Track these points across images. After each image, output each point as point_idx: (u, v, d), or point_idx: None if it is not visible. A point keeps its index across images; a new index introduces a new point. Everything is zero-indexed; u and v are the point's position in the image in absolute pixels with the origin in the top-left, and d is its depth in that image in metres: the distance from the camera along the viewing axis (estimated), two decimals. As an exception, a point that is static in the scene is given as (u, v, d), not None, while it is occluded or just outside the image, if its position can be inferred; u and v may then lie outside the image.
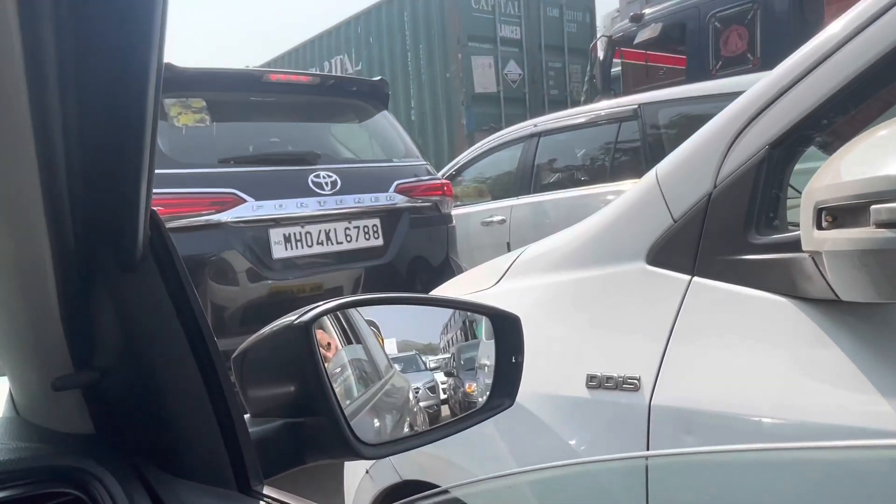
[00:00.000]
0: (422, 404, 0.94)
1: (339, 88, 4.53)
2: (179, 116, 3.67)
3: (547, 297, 1.48)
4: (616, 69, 9.45)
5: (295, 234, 3.75)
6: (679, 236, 1.25)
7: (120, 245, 0.62)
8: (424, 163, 4.54)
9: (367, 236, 4.00)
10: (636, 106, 5.18)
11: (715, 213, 1.20)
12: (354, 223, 3.96)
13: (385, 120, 4.62)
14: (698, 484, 0.76)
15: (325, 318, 0.79)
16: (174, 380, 0.68)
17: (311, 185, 3.82)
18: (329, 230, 3.87)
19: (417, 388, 0.93)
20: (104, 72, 0.47)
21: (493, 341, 0.99)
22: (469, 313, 1.03)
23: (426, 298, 1.09)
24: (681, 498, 0.82)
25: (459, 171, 6.61)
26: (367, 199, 4.02)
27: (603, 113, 5.51)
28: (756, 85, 1.22)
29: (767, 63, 5.38)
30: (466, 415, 0.94)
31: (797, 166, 1.18)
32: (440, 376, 0.96)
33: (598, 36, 9.98)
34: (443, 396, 0.96)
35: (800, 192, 1.02)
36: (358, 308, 0.88)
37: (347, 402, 0.79)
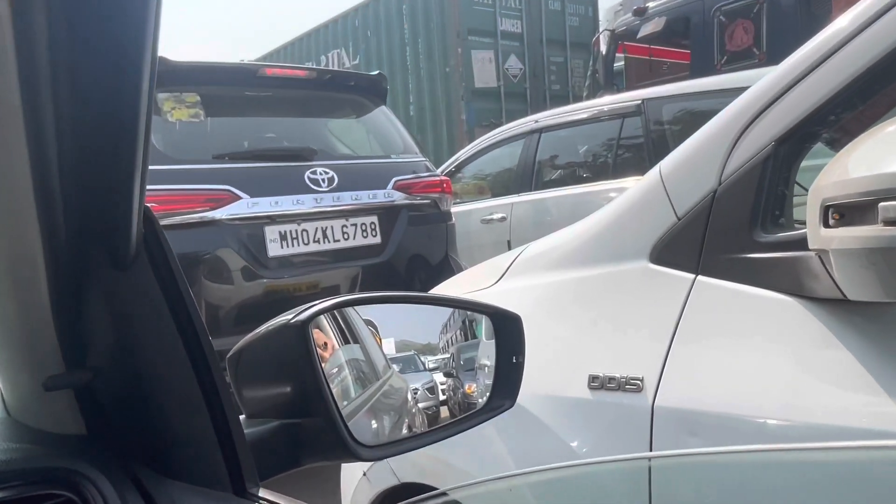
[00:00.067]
0: (420, 405, 0.94)
1: (337, 83, 4.53)
2: (173, 111, 3.67)
3: (548, 296, 1.48)
4: (619, 64, 9.45)
5: (291, 231, 3.75)
6: (683, 234, 1.25)
7: (113, 242, 0.62)
8: (423, 159, 4.54)
9: (364, 234, 4.00)
10: (639, 101, 5.18)
11: (720, 210, 1.20)
12: (352, 221, 3.96)
13: (383, 115, 4.62)
14: (702, 485, 0.76)
15: (321, 317, 0.79)
16: (168, 380, 0.68)
17: (307, 181, 3.82)
18: (326, 228, 3.87)
19: (416, 388, 0.94)
20: (97, 66, 0.47)
21: (493, 341, 0.99)
22: (469, 312, 1.03)
23: (425, 297, 1.09)
24: (684, 499, 0.82)
25: (459, 167, 6.60)
26: (365, 196, 4.02)
27: (605, 108, 5.51)
28: (762, 80, 1.22)
29: (773, 58, 5.37)
30: (466, 416, 0.94)
31: (804, 163, 1.18)
32: (439, 377, 0.96)
33: (601, 30, 9.97)
34: (442, 397, 0.96)
35: (806, 190, 1.02)
36: (355, 307, 0.88)
37: (344, 402, 0.79)
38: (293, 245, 3.75)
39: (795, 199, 1.19)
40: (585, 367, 1.30)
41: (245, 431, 0.71)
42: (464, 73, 11.46)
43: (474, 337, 1.02)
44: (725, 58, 7.55)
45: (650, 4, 8.72)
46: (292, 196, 3.75)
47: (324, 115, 4.63)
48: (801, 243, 1.04)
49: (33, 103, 0.46)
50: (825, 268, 1.02)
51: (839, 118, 1.13)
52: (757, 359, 1.11)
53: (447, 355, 0.98)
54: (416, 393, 0.93)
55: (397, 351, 0.93)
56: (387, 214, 4.11)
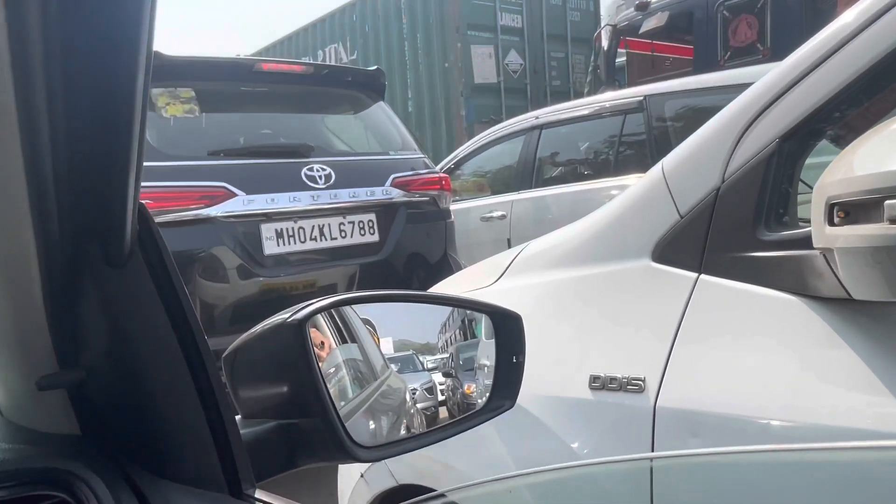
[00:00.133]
0: (419, 406, 0.94)
1: (334, 78, 4.52)
2: (168, 107, 3.67)
3: (549, 295, 1.48)
4: (621, 59, 9.45)
5: (287, 229, 3.74)
6: (686, 232, 1.26)
7: (107, 240, 0.62)
8: (422, 156, 4.54)
9: (362, 232, 4.00)
10: (641, 98, 5.17)
11: (723, 208, 1.20)
12: (349, 218, 3.96)
13: (381, 111, 4.61)
14: (704, 486, 0.77)
15: (318, 316, 0.79)
16: (163, 379, 0.68)
17: (304, 178, 3.82)
18: (323, 225, 3.86)
19: (414, 389, 0.94)
20: (91, 61, 0.47)
21: (492, 341, 0.99)
22: (468, 311, 1.03)
23: (424, 296, 1.09)
24: (686, 500, 0.82)
25: (458, 164, 6.60)
26: (363, 194, 4.02)
27: (607, 105, 5.50)
28: (766, 76, 1.22)
29: (778, 53, 5.37)
30: (465, 416, 0.94)
31: (808, 160, 1.18)
32: (438, 377, 0.96)
33: (603, 25, 9.98)
34: (441, 398, 0.96)
35: (811, 187, 1.02)
36: (353, 306, 0.88)
37: (342, 403, 0.79)
38: (290, 243, 3.75)
39: (800, 197, 1.19)
40: (586, 366, 1.30)
41: (241, 432, 0.71)
42: (463, 68, 11.45)
43: (474, 336, 1.02)
44: (729, 53, 7.55)
45: (653, -1, 8.73)
46: (289, 193, 3.75)
47: (321, 111, 4.62)
48: (806, 242, 1.05)
49: (27, 99, 0.46)
50: (830, 266, 1.02)
51: (844, 115, 1.13)
52: (760, 359, 1.11)
53: (446, 355, 0.98)
54: (414, 393, 0.93)
55: (395, 350, 0.93)
56: (385, 212, 4.11)
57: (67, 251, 0.62)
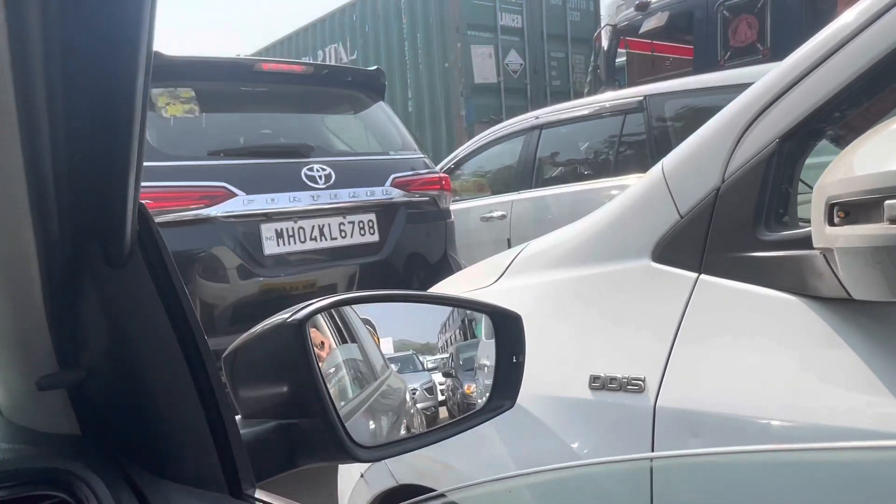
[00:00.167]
0: (419, 406, 0.94)
1: (334, 78, 4.52)
2: (167, 107, 3.67)
3: (549, 295, 1.48)
4: (621, 59, 9.45)
5: (287, 229, 3.74)
6: (686, 232, 1.26)
7: (107, 240, 0.62)
8: (422, 156, 4.54)
9: (362, 232, 4.00)
10: (641, 98, 5.17)
11: (723, 208, 1.20)
12: (349, 218, 3.96)
13: (381, 111, 4.61)
14: (704, 486, 0.77)
15: (318, 316, 0.79)
16: (163, 379, 0.68)
17: (304, 178, 3.82)
18: (323, 225, 3.86)
19: (414, 389, 0.94)
20: (92, 61, 0.47)
21: (492, 341, 0.99)
22: (468, 311, 1.03)
23: (424, 296, 1.09)
24: (686, 500, 0.82)
25: (458, 164, 6.60)
26: (363, 194, 4.02)
27: (607, 105, 5.50)
28: (766, 76, 1.22)
29: (778, 53, 5.37)
30: (465, 416, 0.94)
31: (808, 160, 1.18)
32: (438, 377, 0.96)
33: (603, 25, 9.98)
34: (441, 398, 0.96)
35: (811, 187, 1.02)
36: (353, 306, 0.88)
37: (342, 403, 0.79)
38: (289, 243, 3.75)
39: (800, 197, 1.19)
40: (586, 366, 1.30)
41: (241, 432, 0.71)
42: (463, 68, 11.45)
43: (473, 336, 1.02)
44: (729, 53, 7.55)
45: (653, -1, 8.72)
46: (289, 193, 3.75)
47: (321, 111, 4.62)
48: (806, 242, 1.05)
49: (27, 99, 0.46)
50: (830, 267, 1.03)
51: (844, 115, 1.13)
52: (760, 359, 1.11)
53: (446, 355, 0.98)
54: (414, 393, 0.93)
55: (395, 350, 0.93)
56: (385, 212, 4.11)
57: (67, 251, 0.62)
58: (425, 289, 2.95)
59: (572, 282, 1.45)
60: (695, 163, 1.28)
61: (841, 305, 1.05)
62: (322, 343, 0.80)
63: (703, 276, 1.21)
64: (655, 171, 1.36)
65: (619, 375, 1.24)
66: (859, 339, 1.02)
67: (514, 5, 12.06)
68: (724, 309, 1.17)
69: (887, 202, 0.87)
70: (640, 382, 1.20)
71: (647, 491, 0.78)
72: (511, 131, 6.19)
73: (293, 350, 0.73)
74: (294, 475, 0.77)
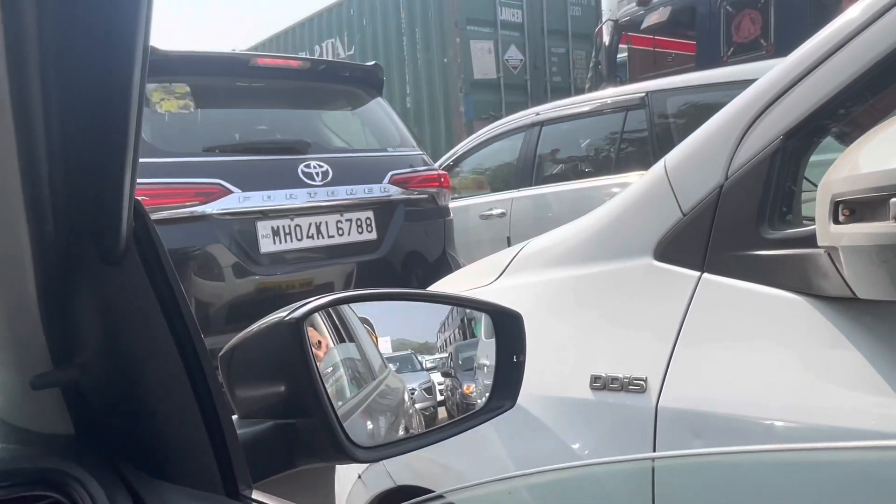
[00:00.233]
0: (417, 406, 0.94)
1: (331, 74, 4.53)
2: (162, 102, 3.66)
3: (549, 294, 1.48)
4: (622, 55, 9.44)
5: (284, 227, 3.74)
6: (688, 230, 1.26)
7: (102, 237, 0.62)
8: (420, 153, 4.54)
9: (359, 230, 4.00)
10: (643, 94, 5.17)
11: (726, 206, 1.20)
12: (346, 216, 3.96)
13: (379, 107, 4.62)
14: (706, 486, 0.77)
15: (316, 315, 0.79)
16: (158, 378, 0.68)
17: (301, 175, 3.82)
18: (320, 223, 3.86)
19: (413, 389, 0.94)
20: (87, 56, 0.47)
21: (492, 340, 0.99)
22: (468, 310, 1.03)
23: (423, 294, 1.09)
24: (688, 501, 0.82)
25: (457, 161, 6.60)
26: (360, 191, 4.02)
27: (608, 101, 5.50)
28: (770, 72, 1.22)
29: (782, 49, 5.37)
30: (465, 416, 0.95)
31: (812, 158, 1.18)
32: (437, 377, 0.96)
33: (604, 20, 9.97)
34: (440, 398, 0.96)
35: (815, 185, 1.02)
36: (351, 304, 0.88)
37: (339, 403, 0.79)
38: (286, 241, 3.75)
39: (804, 195, 1.19)
40: (587, 366, 1.30)
41: (238, 432, 0.71)
42: (462, 63, 11.44)
43: (473, 336, 1.02)
44: (732, 49, 7.55)
45: (655, -6, 8.72)
46: (285, 190, 3.75)
47: (318, 107, 4.62)
48: (810, 240, 1.05)
49: (21, 95, 0.46)
50: (834, 265, 1.03)
51: (849, 112, 1.13)
52: (764, 359, 1.11)
53: (445, 355, 0.98)
54: (413, 393, 0.93)
55: (394, 350, 0.93)
56: (383, 209, 4.11)
57: (62, 248, 0.62)
58: (424, 288, 2.95)
59: (573, 280, 1.45)
60: (697, 160, 1.28)
61: (846, 305, 1.05)
62: (319, 342, 0.80)
63: (705, 275, 1.21)
64: (658, 168, 1.37)
65: (620, 375, 1.24)
66: (864, 339, 1.02)
67: (514, 0, 12.06)
68: (727, 308, 1.18)
69: (893, 200, 0.87)
70: (642, 382, 1.21)
71: (648, 491, 0.78)
72: (511, 128, 6.19)
73: (291, 349, 0.73)
74: (291, 476, 0.77)
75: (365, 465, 1.74)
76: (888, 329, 1.02)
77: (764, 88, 1.20)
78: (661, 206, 1.31)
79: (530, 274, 1.57)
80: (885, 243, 0.89)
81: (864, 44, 1.08)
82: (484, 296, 1.40)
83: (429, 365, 0.96)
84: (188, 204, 3.47)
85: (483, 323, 1.02)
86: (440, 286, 1.99)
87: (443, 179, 4.51)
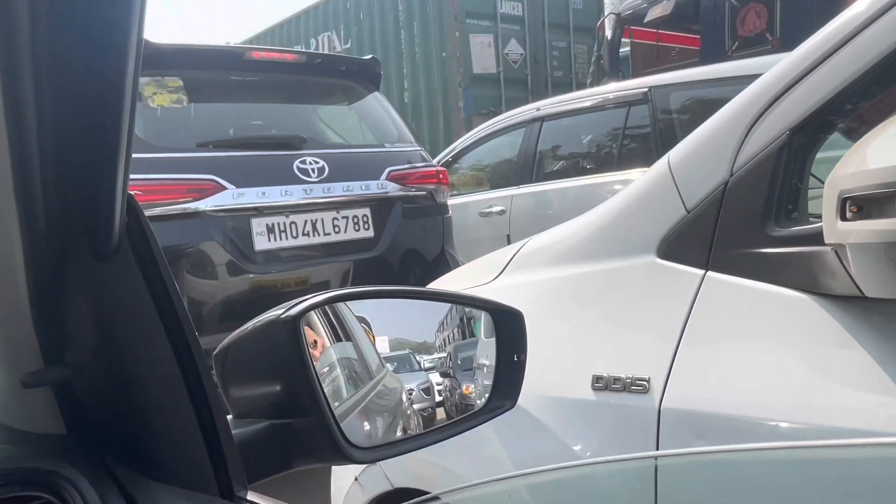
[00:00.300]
0: (416, 407, 0.94)
1: (327, 68, 4.52)
2: (154, 96, 3.66)
3: (550, 292, 1.48)
4: (625, 49, 9.45)
5: (279, 224, 3.74)
6: (692, 228, 1.26)
7: (94, 232, 0.62)
8: (419, 148, 4.54)
9: (356, 227, 4.00)
10: (646, 89, 5.17)
11: (731, 203, 1.20)
12: (343, 213, 3.96)
13: (376, 102, 4.61)
14: (710, 485, 0.77)
15: (312, 313, 0.79)
16: (152, 377, 0.68)
17: (296, 171, 3.82)
18: (316, 220, 3.86)
19: (411, 389, 0.94)
20: (81, 50, 0.47)
21: (492, 339, 0.99)
22: (467, 309, 1.03)
23: (422, 292, 1.09)
24: (692, 500, 0.83)
25: (456, 157, 6.60)
26: (357, 187, 4.01)
27: (610, 96, 5.50)
28: (776, 67, 1.22)
29: (788, 43, 5.37)
30: (465, 417, 0.95)
31: (819, 154, 1.18)
32: (435, 377, 0.96)
33: (606, 13, 9.97)
34: (438, 398, 0.96)
35: (822, 182, 1.02)
36: (348, 302, 0.89)
37: (336, 403, 0.79)
38: (281, 238, 3.75)
39: (810, 192, 1.19)
40: (589, 366, 1.30)
41: (233, 432, 0.71)
42: (461, 58, 11.43)
43: (472, 335, 1.03)
44: (737, 43, 7.55)
45: (658, -13, 8.72)
46: (280, 187, 3.74)
47: (314, 102, 4.62)
48: (817, 237, 1.05)
49: (13, 89, 0.46)
50: (841, 263, 1.03)
51: (856, 107, 1.13)
52: (769, 358, 1.11)
53: (444, 354, 0.98)
54: (411, 394, 0.94)
55: (391, 350, 0.93)
56: (380, 206, 4.11)
57: (54, 243, 0.62)
58: (422, 286, 2.95)
59: (574, 279, 1.45)
60: (702, 156, 1.28)
61: (853, 303, 1.05)
62: (315, 342, 0.80)
63: (710, 273, 1.21)
64: (661, 164, 1.37)
65: (622, 375, 1.24)
66: (872, 339, 1.02)
67: (515, -7, 12.06)
68: (732, 307, 1.18)
69: (901, 196, 0.87)
70: (645, 383, 1.21)
71: (651, 490, 0.78)
72: (511, 123, 6.19)
73: (287, 347, 0.73)
74: (286, 478, 0.77)
75: (362, 467, 1.75)
76: (896, 328, 1.03)
77: (770, 83, 1.20)
78: (664, 203, 1.31)
79: (531, 272, 1.58)
80: (894, 240, 0.90)
81: (872, 38, 1.08)
82: (483, 294, 1.40)
83: (427, 365, 0.96)
84: (181, 200, 3.47)
85: (483, 322, 1.02)
86: (439, 285, 1.99)
87: (441, 176, 4.51)
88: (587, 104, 5.64)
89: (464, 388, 0.99)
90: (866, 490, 0.67)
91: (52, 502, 0.63)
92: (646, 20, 8.61)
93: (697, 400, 1.15)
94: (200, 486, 0.68)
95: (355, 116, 4.70)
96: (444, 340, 0.99)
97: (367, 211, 4.05)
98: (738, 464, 0.75)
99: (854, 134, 1.20)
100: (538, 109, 6.00)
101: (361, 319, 0.90)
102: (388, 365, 0.92)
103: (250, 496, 0.70)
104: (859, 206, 0.93)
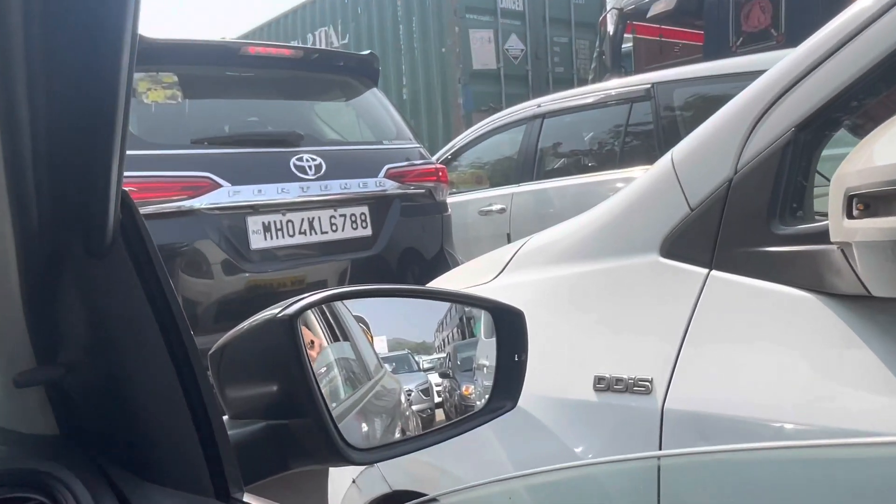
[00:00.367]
0: (414, 408, 0.94)
1: (325, 63, 4.52)
2: (149, 92, 3.66)
3: (551, 292, 1.49)
4: (627, 45, 9.44)
5: (275, 222, 3.74)
6: (696, 226, 1.26)
7: (88, 228, 0.62)
8: (417, 146, 4.54)
9: (354, 225, 4.00)
10: (649, 85, 5.18)
11: (735, 200, 1.20)
12: (340, 211, 3.96)
13: (374, 98, 4.61)
14: (713, 485, 0.77)
15: (309, 312, 0.79)
16: (146, 376, 0.68)
17: (293, 168, 3.82)
18: (313, 218, 3.86)
19: (410, 390, 0.94)
20: (74, 42, 0.47)
21: (492, 340, 0.99)
22: (467, 308, 1.03)
23: (421, 291, 1.09)
24: (695, 501, 0.83)
25: (456, 155, 6.60)
26: (355, 185, 4.01)
27: (613, 93, 5.51)
28: (780, 63, 1.22)
29: (793, 39, 5.37)
30: (465, 417, 0.95)
31: (825, 151, 1.18)
32: (434, 378, 0.96)
33: (608, 8, 9.96)
34: (437, 399, 0.96)
35: (828, 179, 1.02)
36: (345, 301, 0.89)
37: (334, 404, 0.79)
38: (277, 237, 3.75)
39: (816, 190, 1.19)
40: (591, 367, 1.30)
41: (229, 433, 0.71)
42: (461, 53, 11.43)
43: (472, 335, 1.03)
44: (741, 39, 7.54)
45: (661, -19, 8.71)
46: (277, 184, 3.74)
47: (311, 98, 4.62)
48: (823, 236, 1.05)
49: (5, 83, 0.46)
50: (848, 262, 1.03)
51: (863, 103, 1.13)
52: (774, 359, 1.11)
53: (443, 355, 0.98)
54: (409, 395, 0.94)
55: (390, 350, 0.93)
56: (378, 204, 4.11)
57: (46, 240, 0.62)
58: (421, 285, 2.95)
59: (576, 278, 1.45)
60: (706, 153, 1.28)
61: (859, 303, 1.05)
62: (312, 342, 0.80)
63: (713, 272, 1.22)
64: (664, 161, 1.37)
65: (625, 376, 1.24)
66: (878, 339, 1.02)
67: (515, -12, 12.05)
68: (737, 306, 1.18)
69: (909, 194, 0.87)
70: (648, 383, 1.21)
71: (653, 491, 0.78)
72: (511, 120, 6.19)
73: (284, 347, 0.73)
74: (282, 480, 0.77)
75: (359, 470, 1.75)
76: (903, 328, 1.03)
77: (775, 79, 1.20)
78: (667, 201, 1.31)
79: (532, 271, 1.58)
80: (901, 239, 0.90)
81: (879, 33, 1.08)
82: (483, 294, 1.40)
83: (426, 365, 0.96)
84: (175, 198, 3.47)
85: (483, 321, 1.02)
86: (438, 284, 1.99)
87: (440, 174, 4.51)
88: (589, 101, 5.64)
89: (463, 388, 0.99)
90: (871, 490, 0.67)
91: (45, 503, 0.63)
92: (649, 15, 8.60)
93: (701, 401, 1.15)
94: (196, 488, 0.68)
95: (353, 113, 4.70)
96: (444, 340, 0.99)
97: (364, 209, 4.05)
98: (742, 464, 0.76)
99: (860, 130, 1.20)
100: (539, 106, 6.00)
101: (359, 319, 0.90)
102: (387, 365, 0.92)
103: (246, 498, 0.70)
104: (866, 203, 0.93)
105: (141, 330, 0.67)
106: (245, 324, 0.77)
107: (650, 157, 4.63)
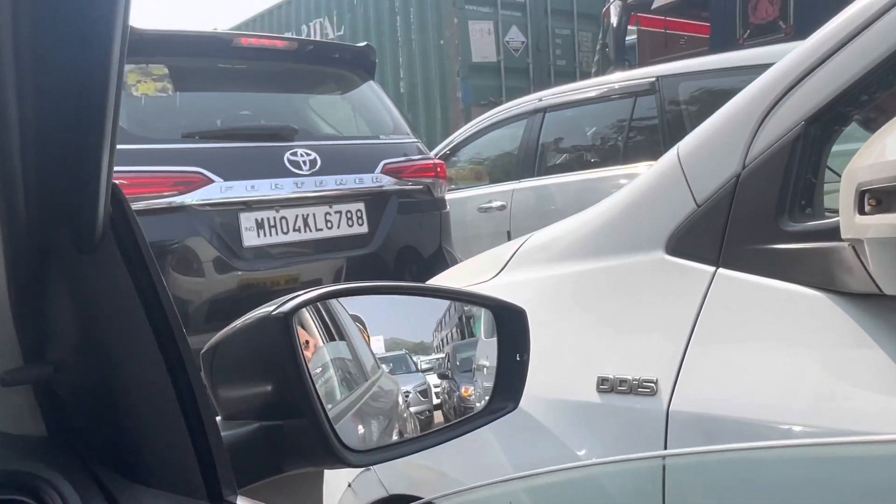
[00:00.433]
0: (412, 409, 0.94)
1: (320, 55, 4.52)
2: (138, 85, 3.66)
3: (553, 290, 1.49)
4: (631, 37, 9.44)
5: (268, 219, 3.74)
6: (703, 223, 1.26)
7: (77, 223, 0.62)
8: (415, 140, 4.54)
9: (349, 222, 4.00)
10: (654, 79, 5.18)
11: (743, 196, 1.20)
12: (336, 207, 3.95)
13: (371, 91, 4.61)
14: (718, 485, 0.77)
15: (304, 311, 0.79)
16: (137, 375, 0.68)
17: (287, 163, 3.81)
18: (307, 215, 3.86)
19: (407, 391, 0.94)
20: (64, 32, 0.47)
21: (492, 339, 0.99)
22: (467, 307, 1.03)
23: (419, 288, 1.09)
24: (700, 500, 0.83)
25: (454, 150, 6.60)
26: (351, 181, 4.01)
27: (616, 86, 5.51)
28: (789, 55, 1.22)
29: (802, 31, 5.38)
30: (465, 418, 0.95)
31: (835, 147, 1.18)
32: (433, 378, 0.96)
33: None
34: (436, 401, 0.96)
35: (838, 175, 1.02)
36: (342, 299, 0.88)
37: (329, 405, 0.79)
38: (271, 234, 3.74)
39: (826, 186, 1.19)
40: (594, 367, 1.30)
41: (221, 434, 0.71)
42: (460, 45, 11.42)
43: (472, 335, 1.03)
44: (748, 31, 7.55)
45: (666, -28, 8.72)
46: (270, 180, 3.74)
47: (305, 91, 4.62)
48: (833, 233, 1.05)
49: None
50: (859, 259, 1.03)
51: (874, 97, 1.13)
52: (782, 359, 1.11)
53: (442, 355, 0.98)
54: (407, 396, 0.94)
55: (387, 350, 0.93)
56: (374, 201, 4.11)
57: (34, 235, 0.61)
58: (418, 284, 2.95)
59: (579, 276, 1.45)
60: (713, 148, 1.28)
61: (871, 301, 1.05)
62: (307, 342, 0.80)
63: (721, 270, 1.22)
64: (670, 156, 1.37)
65: (629, 377, 1.24)
66: (890, 338, 1.02)
67: (516, -22, 12.05)
68: (744, 305, 1.18)
69: (922, 189, 0.87)
70: (653, 384, 1.21)
71: (658, 491, 0.78)
72: (512, 115, 6.19)
73: (278, 346, 0.73)
74: (276, 483, 0.77)
75: (355, 473, 1.75)
76: (915, 328, 1.03)
77: (783, 72, 1.21)
78: (673, 197, 1.31)
79: (533, 269, 1.58)
80: (914, 236, 0.90)
81: (891, 24, 1.08)
82: (483, 293, 1.40)
83: (424, 366, 0.96)
84: (166, 194, 3.47)
85: (483, 321, 1.02)
86: (437, 282, 1.99)
87: (439, 169, 4.51)
88: (592, 94, 5.64)
89: (462, 390, 0.99)
90: (878, 489, 0.67)
91: None
92: (653, 7, 8.61)
93: (707, 402, 1.15)
94: (188, 490, 0.68)
95: (349, 107, 4.70)
96: (443, 340, 0.99)
97: (360, 206, 4.05)
98: (749, 463, 0.76)
99: (872, 125, 1.20)
100: (540, 100, 6.00)
101: (356, 318, 0.90)
102: (384, 366, 0.92)
103: (239, 501, 0.70)
104: (878, 199, 0.94)
105: (132, 328, 0.67)
106: (238, 322, 0.77)
107: (655, 152, 4.62)
